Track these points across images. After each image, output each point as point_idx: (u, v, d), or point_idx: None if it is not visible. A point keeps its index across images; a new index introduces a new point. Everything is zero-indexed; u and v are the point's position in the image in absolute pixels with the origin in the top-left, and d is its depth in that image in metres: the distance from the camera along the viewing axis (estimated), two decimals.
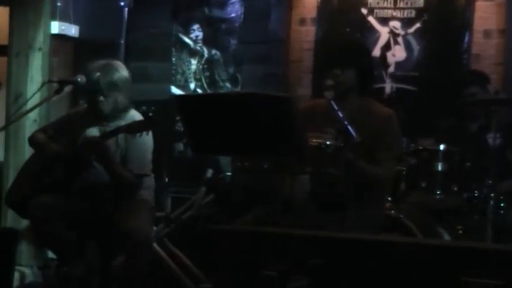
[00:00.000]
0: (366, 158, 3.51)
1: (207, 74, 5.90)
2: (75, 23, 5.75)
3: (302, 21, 5.79)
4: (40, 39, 4.97)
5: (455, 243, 3.28)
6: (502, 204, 4.10)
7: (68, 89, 4.11)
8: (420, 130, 4.80)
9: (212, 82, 5.88)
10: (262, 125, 3.12)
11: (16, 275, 4.63)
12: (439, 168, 4.15)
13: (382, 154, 3.58)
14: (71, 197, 3.92)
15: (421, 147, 4.30)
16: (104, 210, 3.91)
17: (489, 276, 2.40)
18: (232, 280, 2.81)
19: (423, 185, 4.21)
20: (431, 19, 5.46)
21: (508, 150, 4.34)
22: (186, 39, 5.95)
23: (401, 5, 5.52)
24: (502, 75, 5.27)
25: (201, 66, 5.92)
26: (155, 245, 4.42)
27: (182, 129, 5.46)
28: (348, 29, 5.65)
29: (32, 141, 4.16)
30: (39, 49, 4.96)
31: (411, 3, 5.50)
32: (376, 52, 5.51)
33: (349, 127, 3.37)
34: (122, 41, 5.19)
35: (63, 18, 5.63)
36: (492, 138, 4.07)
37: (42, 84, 4.67)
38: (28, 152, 4.45)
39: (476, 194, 4.11)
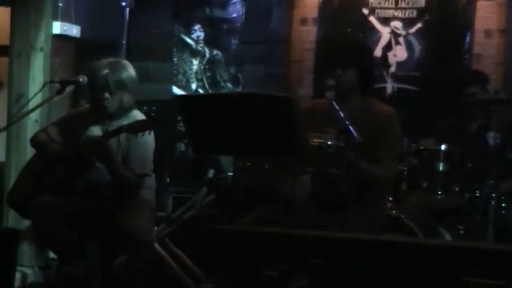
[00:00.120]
0: (367, 157, 3.52)
1: (209, 74, 5.90)
2: (76, 23, 5.74)
3: (303, 21, 5.79)
4: (41, 40, 4.96)
5: (457, 244, 3.28)
6: (503, 205, 4.10)
7: (69, 89, 4.11)
8: (421, 130, 4.79)
9: (213, 82, 5.88)
10: (264, 125, 3.12)
11: (17, 275, 4.62)
12: (440, 168, 4.15)
13: (384, 153, 3.58)
14: (72, 197, 3.92)
15: (422, 147, 4.30)
16: (105, 210, 3.91)
17: (490, 276, 2.41)
18: (234, 280, 2.81)
19: (424, 185, 4.20)
20: (433, 19, 5.46)
21: (508, 150, 4.33)
22: (188, 40, 5.95)
23: (403, 5, 5.52)
24: (503, 75, 5.27)
25: (202, 67, 5.92)
26: (156, 245, 4.42)
27: (183, 129, 5.46)
28: (349, 29, 5.64)
29: (34, 141, 4.15)
30: (41, 49, 4.95)
31: (412, 3, 5.50)
32: (378, 52, 5.51)
33: (351, 127, 3.37)
34: (124, 41, 5.20)
35: (65, 18, 5.63)
36: (492, 138, 4.07)
37: (44, 85, 4.66)
38: (29, 152, 4.45)
39: (477, 194, 4.11)
